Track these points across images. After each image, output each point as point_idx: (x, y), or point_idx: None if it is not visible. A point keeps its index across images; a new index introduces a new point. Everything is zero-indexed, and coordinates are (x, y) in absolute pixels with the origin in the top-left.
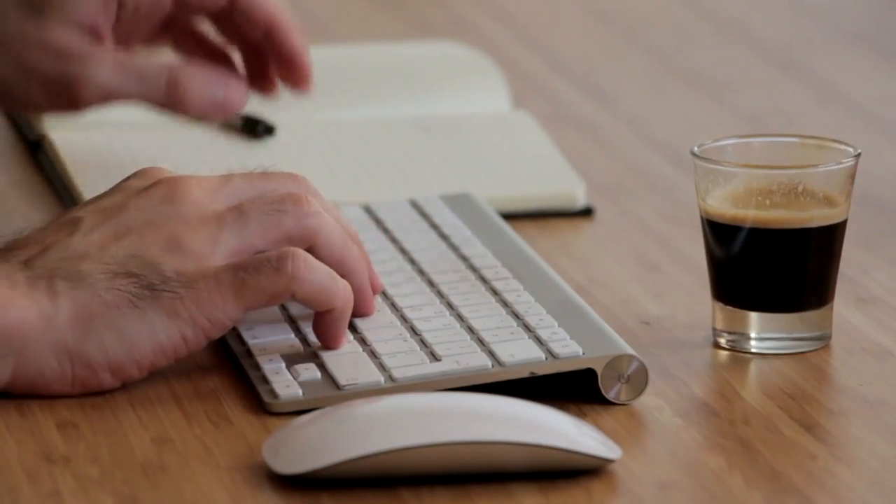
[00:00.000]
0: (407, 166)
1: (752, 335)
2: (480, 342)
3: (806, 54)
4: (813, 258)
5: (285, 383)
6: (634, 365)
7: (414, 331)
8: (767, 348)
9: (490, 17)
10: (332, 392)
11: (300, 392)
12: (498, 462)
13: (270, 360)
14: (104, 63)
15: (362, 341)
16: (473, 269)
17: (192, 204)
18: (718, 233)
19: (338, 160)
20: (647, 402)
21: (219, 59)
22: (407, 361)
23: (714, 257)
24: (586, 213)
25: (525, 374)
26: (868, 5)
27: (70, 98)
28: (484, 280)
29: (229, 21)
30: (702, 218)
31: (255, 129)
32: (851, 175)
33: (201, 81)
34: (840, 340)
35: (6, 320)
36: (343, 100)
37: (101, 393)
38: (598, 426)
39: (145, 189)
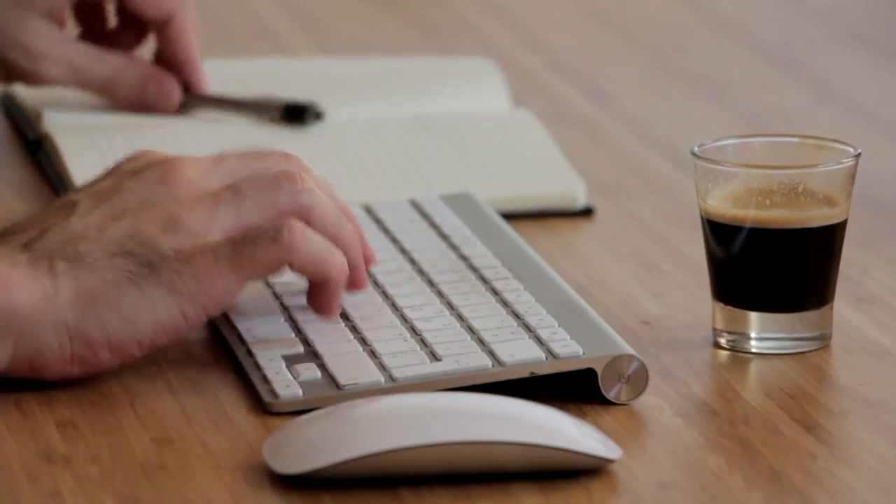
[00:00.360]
0: (407, 165)
1: (753, 335)
2: (480, 342)
3: (806, 54)
4: (813, 258)
5: (285, 383)
6: (634, 365)
7: (414, 331)
8: (767, 348)
9: (490, 17)
10: (332, 392)
11: (300, 392)
12: (498, 462)
13: (270, 359)
14: (58, 63)
15: (362, 341)
16: (473, 268)
17: (187, 184)
18: (718, 233)
19: (338, 159)
20: (647, 402)
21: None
22: (407, 361)
23: (714, 257)
24: (586, 213)
25: (525, 374)
26: (868, 5)
27: (17, 78)
28: (484, 280)
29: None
30: (702, 218)
31: (302, 115)
32: (851, 175)
33: (132, 84)
34: (840, 340)
35: (9, 300)
36: (343, 99)
37: (101, 393)
38: (599, 426)
39: (140, 171)
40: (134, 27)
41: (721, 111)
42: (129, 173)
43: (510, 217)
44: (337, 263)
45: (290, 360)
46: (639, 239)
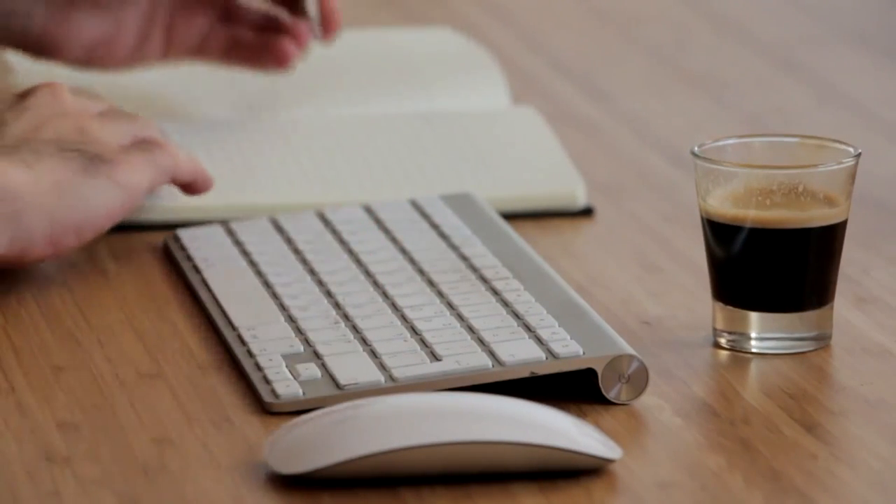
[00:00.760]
0: (408, 163)
1: (753, 335)
2: (481, 342)
3: (806, 54)
4: (813, 258)
5: (286, 383)
6: (635, 365)
7: (414, 331)
8: (768, 348)
9: (490, 17)
10: (333, 392)
11: (300, 392)
12: (498, 462)
13: (271, 360)
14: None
15: (362, 341)
16: (474, 268)
17: (75, 102)
18: (719, 233)
19: (339, 156)
20: (648, 401)
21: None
22: (407, 361)
23: (714, 257)
24: (586, 213)
25: (525, 373)
26: (868, 5)
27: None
28: (484, 280)
29: None
30: (702, 218)
31: None
32: (852, 175)
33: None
34: (840, 340)
35: (6, 181)
36: (343, 96)
37: (101, 393)
38: (599, 426)
39: (28, 93)
40: None
41: (721, 111)
42: (16, 96)
43: (510, 217)
44: (194, 161)
45: (290, 360)
46: (639, 239)
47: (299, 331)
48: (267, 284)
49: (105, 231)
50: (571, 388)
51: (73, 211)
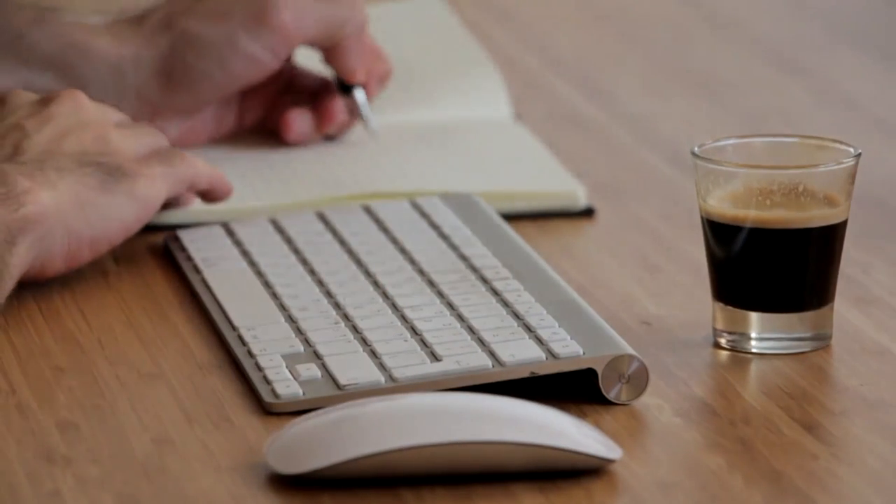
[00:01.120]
0: (407, 167)
1: (753, 335)
2: (481, 342)
3: (806, 54)
4: (813, 258)
5: (286, 383)
6: (635, 365)
7: (414, 331)
8: (768, 348)
9: (490, 17)
10: (333, 392)
11: (301, 392)
12: (498, 462)
13: (271, 360)
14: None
15: (362, 341)
16: (474, 269)
17: (97, 109)
18: (719, 233)
19: (339, 157)
20: (648, 402)
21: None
22: (407, 361)
23: (714, 257)
24: (587, 213)
25: (525, 374)
26: (868, 5)
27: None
28: (484, 280)
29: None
30: (702, 218)
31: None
32: (852, 175)
33: None
34: (840, 340)
35: (38, 206)
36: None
37: (101, 393)
38: (599, 426)
39: (48, 100)
40: None
41: (721, 111)
42: (38, 103)
43: (510, 217)
44: (213, 171)
45: (291, 360)
46: (639, 239)
47: (299, 331)
48: (267, 284)
49: (117, 244)
50: (571, 388)
51: (89, 227)
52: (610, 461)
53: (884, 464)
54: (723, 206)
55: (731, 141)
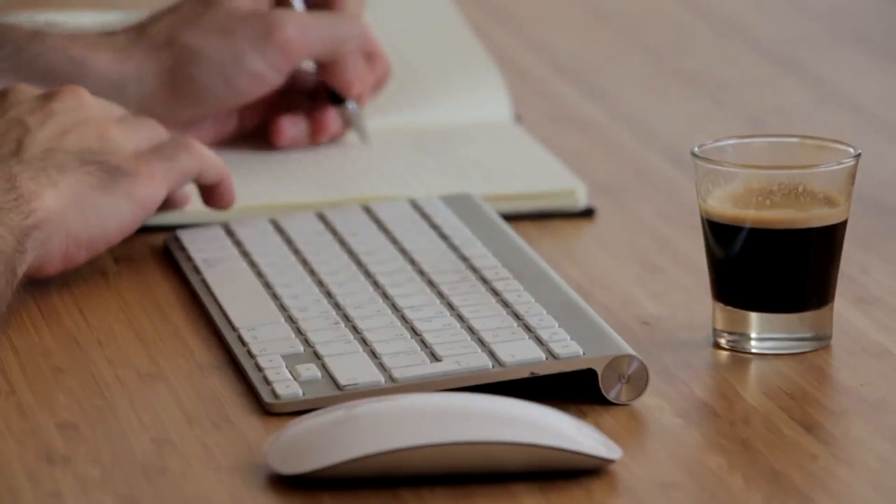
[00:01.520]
0: (406, 170)
1: (753, 335)
2: (481, 342)
3: (806, 54)
4: (813, 258)
5: (286, 383)
6: (635, 365)
7: (414, 331)
8: (768, 348)
9: (490, 17)
10: (333, 392)
11: (300, 392)
12: (498, 462)
13: (271, 360)
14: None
15: (362, 341)
16: (474, 269)
17: (97, 104)
18: (718, 233)
19: (339, 157)
20: (648, 402)
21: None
22: (407, 361)
23: (714, 257)
24: (587, 213)
25: (525, 374)
26: (868, 5)
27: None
28: (484, 280)
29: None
30: (702, 218)
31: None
32: (852, 175)
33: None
34: (840, 340)
35: (44, 211)
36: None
37: (101, 393)
38: (599, 426)
39: (50, 95)
40: None
41: (721, 111)
42: (40, 98)
43: (511, 218)
44: (222, 164)
45: (291, 361)
46: (639, 239)
47: (299, 331)
48: (267, 285)
49: (115, 244)
50: (571, 389)
51: (87, 228)
52: (610, 461)
53: (884, 464)
54: (723, 206)
55: (731, 141)
